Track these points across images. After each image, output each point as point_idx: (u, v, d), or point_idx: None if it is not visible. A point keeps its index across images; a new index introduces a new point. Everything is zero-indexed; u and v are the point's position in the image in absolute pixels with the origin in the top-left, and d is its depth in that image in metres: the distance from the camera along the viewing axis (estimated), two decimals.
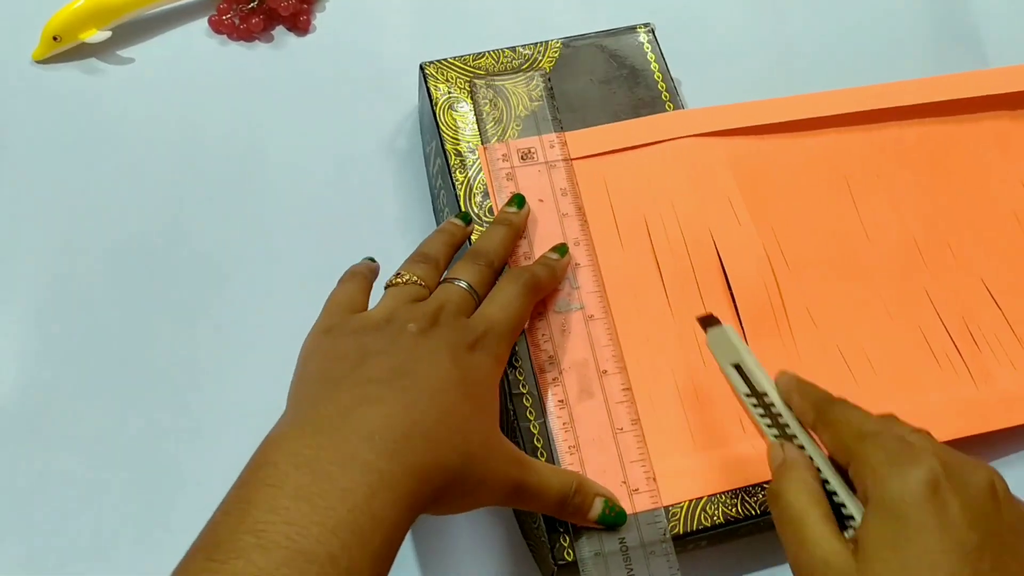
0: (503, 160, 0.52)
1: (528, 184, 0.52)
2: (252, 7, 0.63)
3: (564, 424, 0.46)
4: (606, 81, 0.55)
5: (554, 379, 0.47)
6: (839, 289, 0.52)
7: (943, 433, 0.48)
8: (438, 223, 0.57)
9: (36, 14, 0.60)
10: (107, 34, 0.60)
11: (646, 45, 0.57)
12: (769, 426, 0.42)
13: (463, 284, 0.45)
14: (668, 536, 0.44)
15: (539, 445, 0.46)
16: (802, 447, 0.41)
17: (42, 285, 0.54)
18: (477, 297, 0.46)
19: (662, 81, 0.56)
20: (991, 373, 0.51)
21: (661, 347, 0.49)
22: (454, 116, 0.53)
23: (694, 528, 0.45)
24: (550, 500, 0.43)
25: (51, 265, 0.55)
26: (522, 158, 0.52)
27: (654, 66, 0.56)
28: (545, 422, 0.46)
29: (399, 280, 0.45)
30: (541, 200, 0.51)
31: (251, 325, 0.54)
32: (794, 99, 0.56)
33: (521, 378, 0.47)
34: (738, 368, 0.43)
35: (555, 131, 0.53)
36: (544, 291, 0.48)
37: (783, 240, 0.53)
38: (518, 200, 0.50)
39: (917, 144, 0.57)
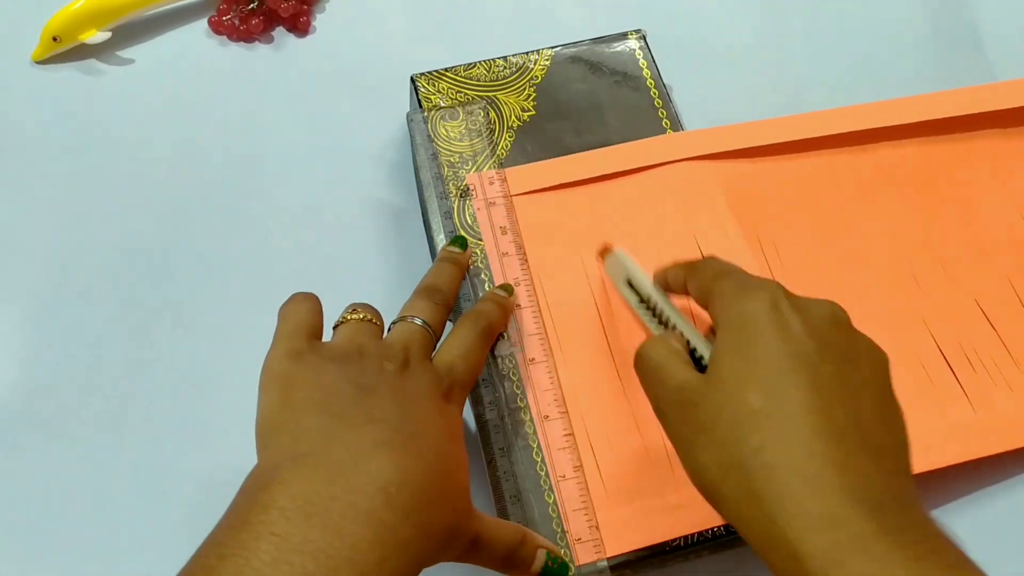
0: (441, 198, 0.51)
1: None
2: (252, 8, 0.62)
3: (505, 472, 0.45)
4: (598, 88, 0.54)
5: (495, 426, 0.46)
6: None
7: (941, 458, 0.47)
8: (427, 232, 0.56)
9: (36, 14, 0.60)
10: (107, 35, 0.60)
11: (638, 51, 0.56)
12: (657, 327, 0.46)
13: (419, 322, 0.44)
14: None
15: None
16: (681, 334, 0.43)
17: (42, 285, 0.55)
18: (434, 335, 0.44)
19: (654, 87, 0.55)
20: (988, 396, 0.49)
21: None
22: (445, 128, 0.53)
23: (694, 539, 0.44)
24: (498, 554, 0.41)
25: (51, 265, 0.55)
26: (461, 196, 0.51)
27: (646, 72, 0.55)
28: (489, 471, 0.45)
29: (353, 316, 0.44)
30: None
31: (248, 324, 0.54)
32: (784, 120, 0.55)
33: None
34: (630, 284, 0.47)
35: (494, 167, 0.52)
36: (497, 333, 0.47)
37: (775, 263, 0.51)
38: (460, 241, 0.49)
39: (910, 164, 0.55)
